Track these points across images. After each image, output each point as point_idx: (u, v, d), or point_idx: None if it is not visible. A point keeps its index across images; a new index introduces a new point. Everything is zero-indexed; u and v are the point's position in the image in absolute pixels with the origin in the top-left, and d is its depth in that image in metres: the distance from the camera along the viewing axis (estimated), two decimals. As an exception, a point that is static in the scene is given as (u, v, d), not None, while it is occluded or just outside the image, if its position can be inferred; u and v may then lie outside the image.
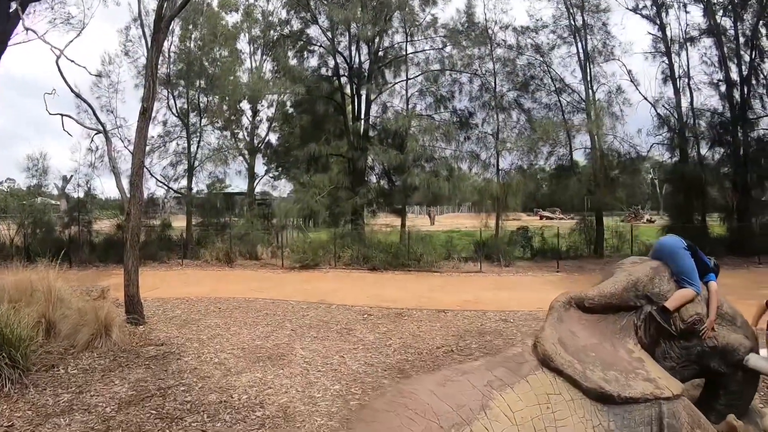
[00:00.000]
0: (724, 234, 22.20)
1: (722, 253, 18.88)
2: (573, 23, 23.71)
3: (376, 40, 23.61)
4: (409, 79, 24.20)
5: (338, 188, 22.52)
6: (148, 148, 23.43)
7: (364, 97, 23.92)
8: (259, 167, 26.17)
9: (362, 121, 23.59)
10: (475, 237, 23.12)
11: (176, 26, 24.16)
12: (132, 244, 11.04)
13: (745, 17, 22.15)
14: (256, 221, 23.56)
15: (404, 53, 24.02)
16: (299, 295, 14.06)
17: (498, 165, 23.38)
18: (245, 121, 25.76)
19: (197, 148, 24.73)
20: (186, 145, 24.53)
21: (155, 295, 13.41)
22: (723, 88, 22.60)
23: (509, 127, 23.91)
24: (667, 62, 23.06)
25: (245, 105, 25.33)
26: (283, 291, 14.74)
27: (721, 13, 22.41)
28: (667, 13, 23.11)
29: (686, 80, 23.02)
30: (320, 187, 21.92)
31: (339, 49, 24.03)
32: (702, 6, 22.63)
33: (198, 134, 24.80)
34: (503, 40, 23.80)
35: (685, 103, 23.02)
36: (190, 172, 24.41)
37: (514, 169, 23.44)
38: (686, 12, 22.88)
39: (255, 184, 25.85)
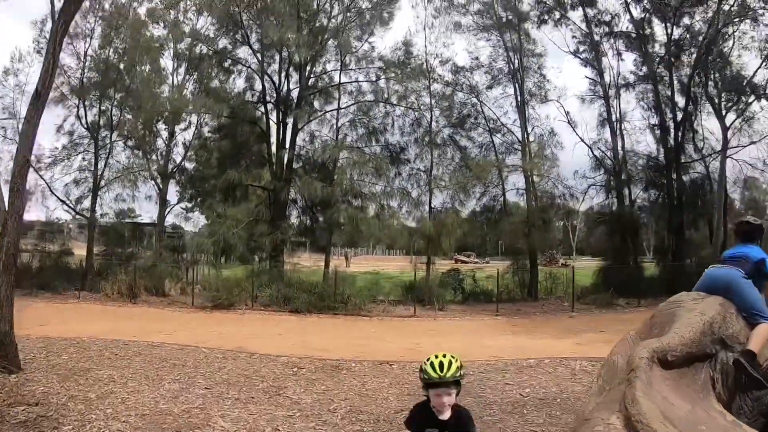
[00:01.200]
0: (657, 274, 22.30)
1: (656, 293, 18.67)
2: (511, 66, 23.58)
3: (308, 66, 22.32)
4: (341, 108, 23.06)
5: (257, 221, 20.87)
6: (49, 161, 21.27)
7: (290, 125, 22.37)
8: (172, 195, 24.14)
9: (287, 150, 21.99)
10: (397, 279, 22.06)
11: (97, 26, 22.33)
12: (6, 267, 8.70)
13: (680, 66, 22.74)
14: (165, 253, 21.47)
15: (337, 81, 22.88)
16: (213, 340, 12.09)
17: (430, 203, 22.60)
18: (160, 143, 23.67)
19: (105, 166, 22.62)
20: (93, 161, 22.38)
21: (41, 333, 11.35)
22: (658, 132, 23.15)
23: (444, 164, 23.21)
24: (604, 106, 23.30)
25: (161, 126, 23.28)
26: (194, 334, 12.78)
27: (657, 60, 22.97)
28: (600, 62, 23.48)
29: (622, 124, 23.48)
30: (238, 219, 20.27)
31: (268, 72, 22.59)
32: (641, 53, 23.03)
33: (107, 151, 22.67)
34: (440, 76, 23.28)
35: (621, 146, 23.34)
36: (95, 191, 22.19)
37: (448, 209, 22.68)
38: (621, 60, 23.50)
39: (166, 212, 23.68)
